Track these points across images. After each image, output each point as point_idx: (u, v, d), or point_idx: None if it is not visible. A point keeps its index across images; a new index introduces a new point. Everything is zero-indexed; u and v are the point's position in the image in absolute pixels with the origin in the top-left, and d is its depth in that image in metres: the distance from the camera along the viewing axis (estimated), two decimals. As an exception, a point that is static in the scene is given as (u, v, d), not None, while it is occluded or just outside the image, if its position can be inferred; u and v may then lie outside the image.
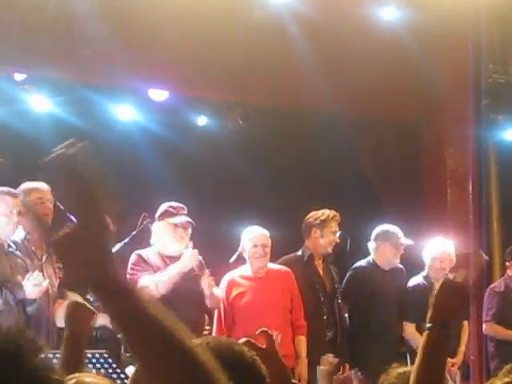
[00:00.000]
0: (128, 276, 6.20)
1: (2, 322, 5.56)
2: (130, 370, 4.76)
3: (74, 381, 2.40)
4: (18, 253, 5.97)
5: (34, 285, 5.71)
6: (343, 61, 8.16)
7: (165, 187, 8.32)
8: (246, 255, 6.69)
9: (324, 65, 7.89)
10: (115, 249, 6.59)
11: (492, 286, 7.97)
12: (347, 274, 7.33)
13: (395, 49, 8.15)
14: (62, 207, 5.16)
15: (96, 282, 1.44)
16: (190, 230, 6.33)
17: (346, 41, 7.94)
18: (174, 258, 6.29)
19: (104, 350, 5.18)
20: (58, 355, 4.33)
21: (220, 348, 1.95)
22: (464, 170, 8.88)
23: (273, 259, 6.84)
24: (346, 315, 7.24)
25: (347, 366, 6.79)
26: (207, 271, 6.33)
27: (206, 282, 6.28)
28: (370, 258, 7.36)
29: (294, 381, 2.60)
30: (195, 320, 6.11)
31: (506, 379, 2.59)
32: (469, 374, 7.52)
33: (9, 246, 5.95)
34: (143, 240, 6.63)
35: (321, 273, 7.07)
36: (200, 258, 6.46)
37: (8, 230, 5.94)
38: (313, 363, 6.62)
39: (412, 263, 7.67)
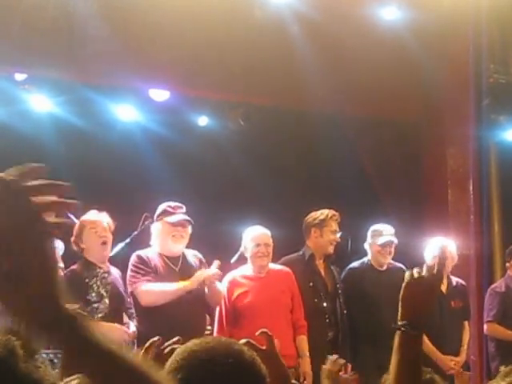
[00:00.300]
0: (129, 278, 6.19)
1: (3, 322, 5.57)
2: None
3: (76, 381, 2.40)
4: None
5: None
6: (344, 61, 8.17)
7: (166, 187, 8.32)
8: (247, 255, 6.68)
9: (325, 65, 7.89)
10: (117, 249, 6.60)
11: (493, 286, 7.97)
12: (342, 275, 7.34)
13: (396, 49, 8.15)
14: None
15: (44, 319, 1.32)
16: (189, 229, 6.31)
17: (346, 41, 7.95)
18: (173, 258, 6.29)
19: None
20: (59, 355, 4.34)
21: (219, 348, 1.95)
22: (465, 171, 8.89)
23: (274, 259, 6.84)
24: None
25: (349, 366, 6.79)
26: (216, 262, 6.30)
27: (201, 272, 6.24)
28: (365, 259, 7.37)
29: (293, 381, 2.60)
30: (197, 320, 6.11)
31: (503, 383, 2.60)
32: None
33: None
34: (145, 240, 6.63)
35: (322, 273, 7.07)
36: (200, 256, 6.46)
37: None
38: (314, 363, 6.63)
39: (413, 263, 7.66)
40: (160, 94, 8.47)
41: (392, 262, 7.35)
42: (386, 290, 7.16)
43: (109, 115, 8.88)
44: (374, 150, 9.34)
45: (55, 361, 4.38)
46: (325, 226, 7.02)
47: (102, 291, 5.94)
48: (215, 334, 6.36)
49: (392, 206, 8.96)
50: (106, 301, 5.95)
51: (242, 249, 6.74)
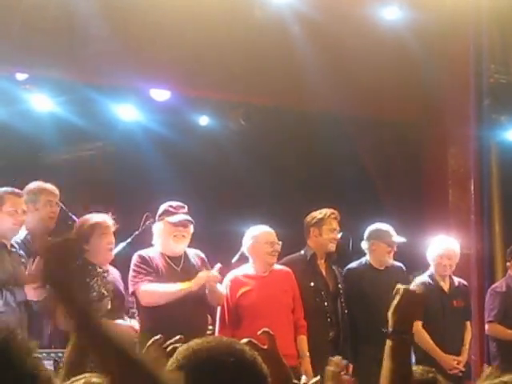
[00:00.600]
0: (130, 277, 6.20)
1: (3, 322, 5.57)
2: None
3: (82, 381, 2.41)
4: (21, 252, 5.98)
5: (34, 287, 5.70)
6: (345, 61, 8.17)
7: (167, 187, 8.32)
8: (252, 253, 6.66)
9: (326, 65, 7.89)
10: (118, 249, 6.61)
11: (493, 286, 7.98)
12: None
13: (397, 49, 8.15)
14: (63, 207, 5.15)
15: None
16: (191, 229, 6.32)
17: (347, 41, 7.95)
18: (175, 258, 6.29)
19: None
20: (60, 354, 4.35)
21: (221, 347, 1.96)
22: (466, 171, 8.89)
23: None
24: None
25: (351, 366, 6.80)
26: (218, 266, 6.31)
27: (203, 274, 6.25)
28: (363, 259, 7.36)
29: (295, 381, 2.60)
30: (198, 320, 6.11)
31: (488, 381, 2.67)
32: (470, 374, 7.52)
33: (11, 245, 5.95)
34: (146, 240, 6.64)
35: (323, 272, 7.08)
36: (203, 255, 6.46)
37: (13, 230, 5.95)
38: (315, 363, 6.63)
39: (413, 262, 7.67)
40: (161, 94, 8.47)
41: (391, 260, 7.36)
42: (386, 289, 7.15)
43: (110, 115, 8.88)
44: (374, 149, 9.34)
45: (58, 360, 4.39)
46: (323, 225, 7.02)
47: (103, 290, 5.94)
48: (217, 333, 6.35)
49: (393, 206, 8.96)
50: (108, 300, 5.95)
51: (243, 248, 6.74)
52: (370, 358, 6.42)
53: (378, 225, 7.33)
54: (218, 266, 6.30)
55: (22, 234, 6.10)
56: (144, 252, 6.28)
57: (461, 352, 7.29)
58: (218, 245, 7.43)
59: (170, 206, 6.32)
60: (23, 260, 5.93)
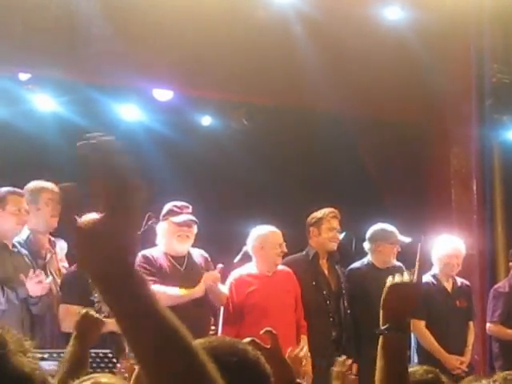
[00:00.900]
0: None
1: (5, 321, 5.57)
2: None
3: (91, 381, 2.41)
4: (23, 251, 5.98)
5: (36, 282, 5.70)
6: (347, 61, 8.16)
7: (169, 187, 8.32)
8: (258, 254, 6.64)
9: (328, 65, 7.89)
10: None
11: (496, 286, 7.96)
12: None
13: (399, 49, 8.14)
14: (67, 208, 5.12)
15: (115, 276, 1.38)
16: (195, 229, 6.31)
17: (349, 41, 7.94)
18: (179, 258, 6.28)
19: (108, 350, 5.18)
20: (62, 354, 4.34)
21: (224, 347, 1.95)
22: (468, 171, 8.88)
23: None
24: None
25: (355, 365, 6.80)
26: (220, 266, 6.31)
27: (208, 275, 6.24)
28: (365, 259, 7.35)
29: (298, 380, 2.60)
30: (201, 320, 6.10)
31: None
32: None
33: (13, 245, 5.95)
34: (148, 240, 6.64)
35: (325, 272, 7.08)
36: (206, 255, 6.46)
37: (16, 230, 5.95)
38: (317, 363, 6.63)
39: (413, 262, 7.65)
40: (163, 94, 8.47)
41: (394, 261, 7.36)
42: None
43: (112, 115, 8.89)
44: (376, 149, 9.33)
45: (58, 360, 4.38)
46: (322, 224, 7.03)
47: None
48: (221, 332, 6.32)
49: (395, 206, 8.95)
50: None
51: (246, 248, 6.73)
52: (373, 358, 6.42)
53: (382, 225, 7.32)
54: (220, 266, 6.30)
55: (25, 233, 6.10)
56: (148, 252, 6.28)
57: (464, 352, 7.28)
58: (220, 244, 7.43)
59: (175, 206, 6.31)
60: (27, 259, 5.93)
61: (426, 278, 7.35)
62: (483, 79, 8.83)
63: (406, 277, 2.63)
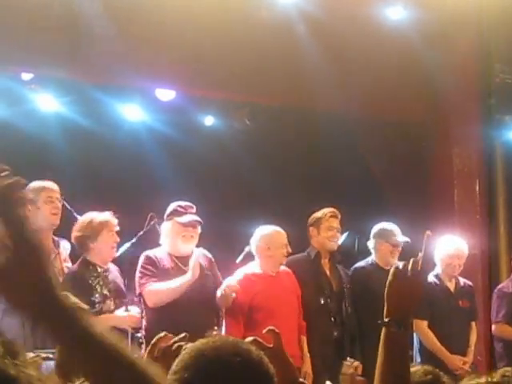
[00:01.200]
0: (137, 278, 6.19)
1: (6, 320, 5.58)
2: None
3: None
4: None
5: None
6: (350, 60, 8.16)
7: (171, 187, 8.33)
8: (263, 254, 6.63)
9: (331, 64, 7.89)
10: (122, 249, 6.60)
11: (500, 286, 7.95)
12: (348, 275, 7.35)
13: (402, 49, 8.14)
14: (68, 207, 5.11)
15: (40, 312, 1.40)
16: (199, 229, 6.31)
17: (352, 40, 7.94)
18: (183, 259, 6.27)
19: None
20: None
21: (227, 347, 1.95)
22: (471, 170, 8.87)
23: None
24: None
25: (360, 366, 6.81)
26: (238, 277, 6.33)
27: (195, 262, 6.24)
28: (369, 258, 7.37)
29: (301, 380, 2.60)
30: (205, 321, 6.09)
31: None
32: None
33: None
34: (150, 240, 6.63)
35: (327, 272, 7.08)
36: (210, 255, 6.45)
37: None
38: (318, 363, 6.63)
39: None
40: (166, 94, 8.47)
41: (396, 261, 7.35)
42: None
43: (115, 115, 8.89)
44: (379, 149, 9.33)
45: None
46: (321, 224, 7.05)
47: (105, 291, 5.93)
48: (227, 332, 6.27)
49: (398, 206, 8.95)
50: (110, 301, 5.94)
51: (249, 248, 6.72)
52: (376, 357, 6.42)
53: (383, 224, 7.34)
54: (238, 278, 6.29)
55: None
56: (151, 252, 6.28)
57: (466, 352, 7.28)
58: (222, 244, 7.42)
59: (179, 206, 6.30)
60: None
61: (429, 278, 7.35)
62: (486, 79, 8.83)
63: (410, 265, 2.59)
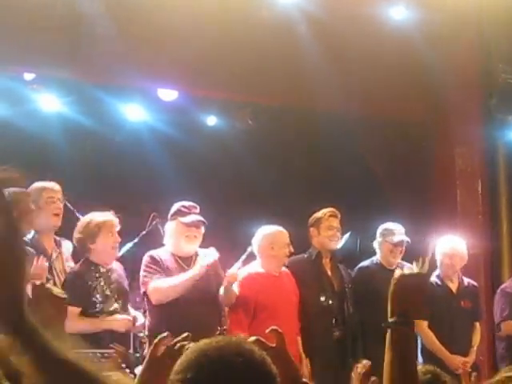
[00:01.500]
0: (141, 278, 6.19)
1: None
2: (139, 370, 4.76)
3: None
4: (30, 250, 5.98)
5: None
6: (352, 60, 8.16)
7: (173, 187, 8.33)
8: (266, 253, 6.62)
9: (332, 64, 7.89)
10: (125, 249, 6.60)
11: (503, 286, 7.94)
12: (352, 274, 7.35)
13: (403, 49, 8.13)
14: (70, 207, 5.10)
15: (11, 325, 1.41)
16: (202, 229, 6.31)
17: (354, 40, 7.93)
18: (186, 259, 6.28)
19: (112, 350, 5.18)
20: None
21: (230, 347, 1.95)
22: (473, 170, 8.87)
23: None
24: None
25: (369, 363, 6.81)
26: (237, 265, 6.31)
27: (204, 259, 6.23)
28: (374, 258, 7.39)
29: (304, 380, 2.59)
30: (208, 320, 6.09)
31: None
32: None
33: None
34: (152, 240, 6.63)
35: (328, 272, 7.08)
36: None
37: (25, 229, 5.95)
38: (318, 361, 6.64)
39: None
40: (168, 94, 8.48)
41: (401, 261, 7.35)
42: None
43: (117, 115, 8.90)
44: (381, 149, 9.33)
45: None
46: (321, 224, 7.06)
47: (107, 291, 5.92)
48: (231, 331, 6.27)
49: (400, 206, 8.95)
50: (113, 301, 5.93)
51: (252, 247, 6.72)
52: (380, 357, 6.42)
53: (387, 224, 7.36)
54: (238, 265, 6.30)
55: (29, 234, 6.10)
56: (154, 252, 6.28)
57: (468, 353, 7.28)
58: (224, 244, 7.42)
59: (183, 206, 6.30)
60: (31, 259, 5.93)
61: (431, 278, 7.35)
62: (488, 79, 8.82)
63: (415, 268, 2.61)
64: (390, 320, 2.53)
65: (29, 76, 8.01)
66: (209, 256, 6.21)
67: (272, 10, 7.75)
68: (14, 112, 8.27)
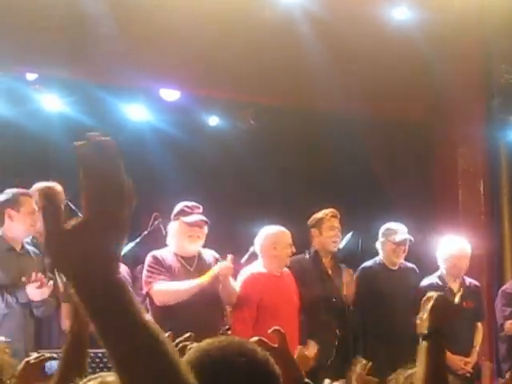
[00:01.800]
0: (144, 278, 6.19)
1: (6, 324, 5.58)
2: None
3: (98, 380, 2.40)
4: (32, 250, 5.98)
5: (36, 287, 5.69)
6: (354, 60, 8.16)
7: (176, 187, 8.33)
8: (268, 253, 6.62)
9: (335, 65, 7.89)
10: (126, 249, 6.61)
11: (504, 287, 7.93)
12: (355, 274, 7.35)
13: (406, 49, 8.13)
14: (73, 207, 5.10)
15: (93, 280, 1.34)
16: (205, 229, 6.31)
17: (356, 41, 7.93)
18: (189, 259, 6.27)
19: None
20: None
21: (233, 347, 1.95)
22: (475, 171, 8.87)
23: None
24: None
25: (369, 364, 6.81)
26: (230, 256, 6.30)
27: (221, 265, 6.23)
28: (377, 258, 7.39)
29: (306, 380, 2.60)
30: (210, 320, 6.09)
31: None
32: (480, 375, 7.51)
33: (22, 246, 5.95)
34: (154, 240, 6.63)
35: (329, 271, 7.08)
36: (218, 256, 6.44)
37: (29, 231, 5.96)
38: (320, 363, 6.63)
39: (425, 263, 7.65)
40: (170, 94, 8.48)
41: (403, 261, 7.35)
42: (398, 289, 7.16)
43: (119, 115, 8.90)
44: (383, 149, 9.33)
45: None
46: (323, 224, 7.05)
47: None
48: (234, 332, 6.27)
49: (402, 206, 8.95)
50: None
51: (254, 247, 6.72)
52: (383, 357, 6.43)
53: (389, 224, 7.36)
54: (231, 257, 6.29)
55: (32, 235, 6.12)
56: (157, 252, 6.28)
57: (470, 353, 7.27)
58: (226, 244, 7.43)
59: (186, 206, 6.30)
60: (36, 260, 5.93)
61: (432, 279, 7.34)
62: (490, 79, 8.83)
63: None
64: (428, 331, 2.74)
65: (31, 76, 8.01)
66: (222, 265, 6.21)
67: (274, 9, 7.75)
68: (16, 112, 8.27)
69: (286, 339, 2.53)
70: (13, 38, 6.98)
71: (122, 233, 1.42)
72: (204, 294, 6.08)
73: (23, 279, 5.70)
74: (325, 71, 7.84)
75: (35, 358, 3.36)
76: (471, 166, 8.88)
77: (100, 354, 5.04)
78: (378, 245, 7.36)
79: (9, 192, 5.97)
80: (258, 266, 6.65)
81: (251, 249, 6.75)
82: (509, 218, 8.96)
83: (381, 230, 7.36)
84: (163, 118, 9.08)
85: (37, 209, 5.89)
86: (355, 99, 8.39)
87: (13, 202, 5.89)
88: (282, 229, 6.68)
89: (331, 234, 7.03)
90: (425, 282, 7.30)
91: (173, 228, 6.32)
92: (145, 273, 6.18)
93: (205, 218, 6.26)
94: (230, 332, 6.41)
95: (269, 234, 6.64)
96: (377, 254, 7.41)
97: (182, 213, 6.27)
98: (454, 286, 7.38)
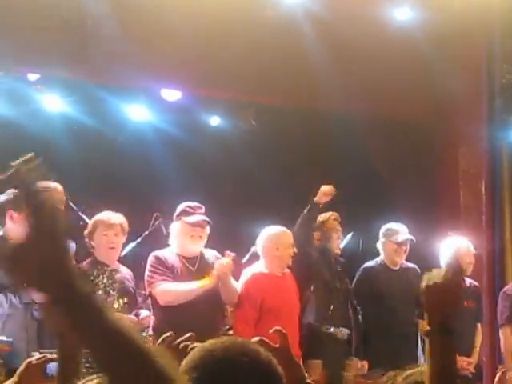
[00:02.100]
0: (147, 278, 6.19)
1: (9, 324, 5.58)
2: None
3: (97, 380, 2.40)
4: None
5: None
6: (356, 61, 8.15)
7: (177, 187, 8.33)
8: (270, 254, 6.61)
9: (337, 65, 7.88)
10: (127, 249, 6.60)
11: (505, 288, 7.91)
12: (356, 274, 7.35)
13: (408, 49, 8.13)
14: (74, 207, 5.11)
15: (56, 293, 1.38)
16: (207, 229, 6.31)
17: (358, 41, 7.93)
18: (191, 259, 6.27)
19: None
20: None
21: (235, 347, 1.95)
22: (477, 171, 8.86)
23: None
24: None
25: (366, 364, 6.83)
26: (231, 254, 6.30)
27: (221, 262, 6.22)
28: (378, 258, 7.40)
29: (308, 381, 2.59)
30: (212, 320, 6.08)
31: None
32: (481, 376, 7.51)
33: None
34: (155, 240, 6.63)
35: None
36: (219, 255, 6.44)
37: None
38: (322, 364, 6.63)
39: (426, 263, 7.65)
40: (172, 94, 8.48)
41: (404, 262, 7.35)
42: (400, 289, 7.16)
43: (120, 115, 8.90)
44: (385, 150, 9.32)
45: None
46: (325, 227, 7.06)
47: (109, 289, 5.93)
48: (236, 332, 6.27)
49: (404, 207, 8.94)
50: (114, 300, 5.93)
51: (254, 248, 6.72)
52: (384, 356, 6.44)
53: (390, 224, 7.36)
54: (230, 253, 6.28)
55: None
56: (160, 253, 6.28)
57: (471, 354, 7.27)
58: (227, 244, 7.42)
59: (188, 207, 6.31)
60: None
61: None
62: (492, 80, 8.81)
63: (440, 275, 2.53)
64: (429, 328, 2.47)
65: (33, 76, 8.01)
66: (220, 262, 6.21)
67: (276, 9, 7.75)
68: (17, 112, 8.28)
69: (288, 339, 2.53)
70: (14, 38, 6.98)
71: (61, 241, 1.45)
72: (205, 293, 6.08)
73: None
74: (326, 71, 7.83)
75: (37, 359, 3.35)
76: (472, 167, 8.88)
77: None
78: (379, 245, 7.36)
79: (10, 193, 5.97)
80: (259, 267, 6.64)
81: (252, 249, 6.74)
82: (510, 219, 8.94)
83: (381, 231, 7.36)
84: (164, 118, 9.08)
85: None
86: (356, 99, 8.38)
87: (14, 203, 5.89)
88: (284, 229, 6.68)
89: (333, 237, 7.05)
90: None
91: (175, 228, 6.32)
92: (147, 273, 6.18)
93: (207, 219, 6.27)
94: (231, 332, 6.41)
95: (271, 235, 6.63)
96: (377, 254, 7.41)
97: (184, 213, 6.27)
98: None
